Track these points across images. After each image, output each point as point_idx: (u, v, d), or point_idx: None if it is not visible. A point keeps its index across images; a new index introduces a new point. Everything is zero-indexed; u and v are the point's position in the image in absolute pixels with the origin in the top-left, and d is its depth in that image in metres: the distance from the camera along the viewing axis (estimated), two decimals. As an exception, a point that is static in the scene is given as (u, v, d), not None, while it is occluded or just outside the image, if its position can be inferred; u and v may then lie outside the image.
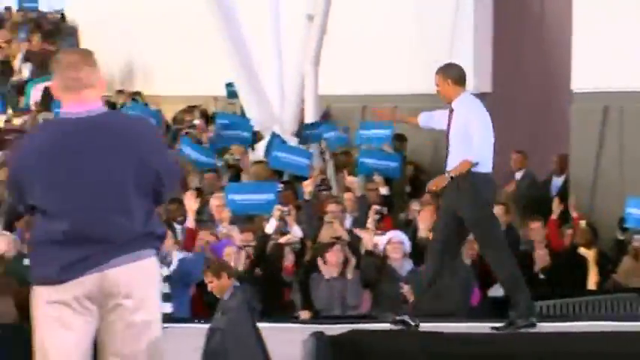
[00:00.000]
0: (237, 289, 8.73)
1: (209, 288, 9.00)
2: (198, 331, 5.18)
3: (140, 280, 4.50)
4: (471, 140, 7.86)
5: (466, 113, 7.96)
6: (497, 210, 11.53)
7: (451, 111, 8.04)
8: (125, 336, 4.49)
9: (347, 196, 12.64)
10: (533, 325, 7.84)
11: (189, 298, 10.03)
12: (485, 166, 7.92)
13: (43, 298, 4.49)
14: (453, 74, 8.08)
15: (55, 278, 4.42)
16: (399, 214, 13.13)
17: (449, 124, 8.05)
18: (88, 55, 4.64)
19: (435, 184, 8.02)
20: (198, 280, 9.81)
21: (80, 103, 4.51)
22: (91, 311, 4.46)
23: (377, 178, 13.11)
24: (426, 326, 7.86)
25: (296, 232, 11.07)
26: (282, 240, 10.78)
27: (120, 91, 21.06)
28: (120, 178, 4.46)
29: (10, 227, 11.00)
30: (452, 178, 7.82)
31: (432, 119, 8.51)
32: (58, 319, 4.45)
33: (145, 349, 4.53)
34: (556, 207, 12.17)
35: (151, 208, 4.61)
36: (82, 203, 4.43)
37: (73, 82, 4.52)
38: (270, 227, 10.89)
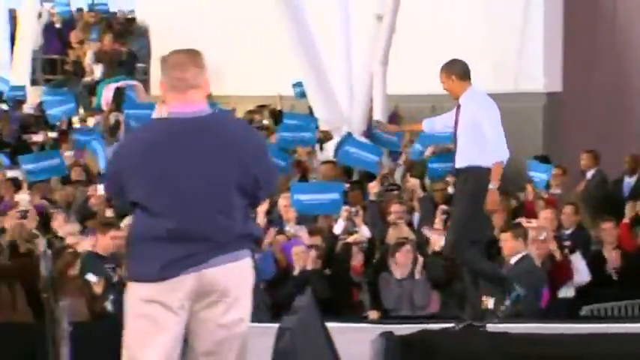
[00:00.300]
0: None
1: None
2: (269, 330, 5.14)
3: (236, 281, 4.55)
4: (480, 135, 7.79)
5: (475, 109, 7.86)
6: (567, 209, 11.50)
7: (458, 107, 7.96)
8: (217, 335, 4.53)
9: (411, 196, 12.69)
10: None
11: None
12: (503, 157, 7.85)
13: (139, 296, 4.49)
14: (456, 70, 7.98)
15: (155, 276, 4.44)
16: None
17: (456, 121, 7.96)
18: (196, 56, 4.67)
19: (492, 204, 7.89)
20: (267, 278, 9.95)
21: (185, 104, 4.58)
22: (186, 310, 4.48)
23: (449, 178, 13.05)
24: (494, 327, 7.78)
25: (364, 232, 11.11)
26: (351, 240, 10.84)
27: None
28: (223, 179, 4.51)
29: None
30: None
31: (435, 124, 8.62)
32: (152, 317, 4.45)
33: (235, 348, 4.57)
34: (630, 209, 12.06)
35: (247, 210, 4.68)
36: (188, 202, 4.46)
37: (178, 82, 4.58)
38: (338, 228, 10.98)
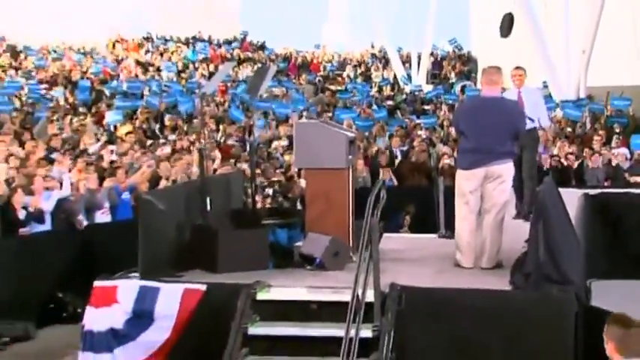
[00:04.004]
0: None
1: None
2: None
3: (504, 171, 8.88)
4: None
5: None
6: None
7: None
8: (494, 194, 8.85)
9: None
10: None
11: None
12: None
13: (461, 176, 8.98)
14: None
15: (466, 167, 8.94)
16: None
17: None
18: (499, 70, 9.20)
19: None
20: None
21: (490, 92, 9.09)
22: (479, 183, 8.85)
23: None
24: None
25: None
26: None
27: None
28: (501, 126, 8.85)
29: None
30: None
31: None
32: (466, 186, 8.90)
33: (502, 202, 8.92)
34: None
35: (512, 143, 9.05)
36: (483, 135, 8.79)
37: (489, 81, 9.12)
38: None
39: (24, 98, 25.45)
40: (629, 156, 16.98)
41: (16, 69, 31.77)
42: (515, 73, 10.89)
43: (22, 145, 18.00)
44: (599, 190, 10.37)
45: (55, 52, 36.03)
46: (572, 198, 8.87)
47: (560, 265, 7.43)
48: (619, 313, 5.33)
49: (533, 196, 9.99)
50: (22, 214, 12.79)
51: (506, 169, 8.87)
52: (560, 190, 8.31)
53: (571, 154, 17.58)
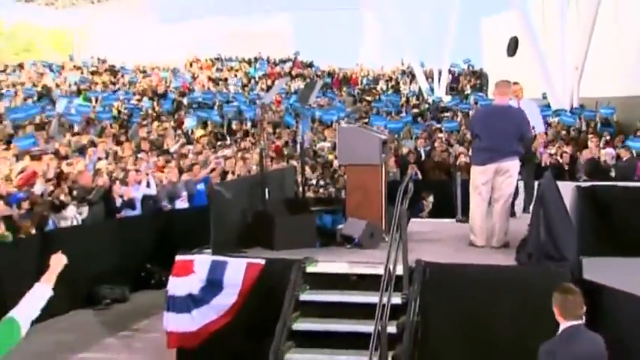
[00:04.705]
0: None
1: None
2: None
3: (511, 167, 8.84)
4: None
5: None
6: None
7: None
8: (502, 186, 8.83)
9: None
10: None
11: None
12: None
13: (475, 170, 8.92)
14: None
15: (479, 163, 8.89)
16: None
17: None
18: (509, 83, 9.49)
19: None
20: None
21: (501, 101, 9.09)
22: (490, 177, 8.80)
23: None
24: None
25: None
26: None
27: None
28: (509, 131, 8.81)
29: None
30: None
31: None
32: (480, 179, 8.83)
33: (509, 193, 8.91)
34: None
35: (517, 142, 8.86)
36: (494, 137, 8.78)
37: (501, 92, 9.11)
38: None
39: (120, 109, 25.66)
40: (613, 154, 16.76)
41: (114, 84, 32.03)
42: (514, 88, 10.72)
43: (118, 145, 18.19)
44: (589, 183, 10.24)
45: (144, 71, 36.25)
46: (566, 189, 8.75)
47: (557, 245, 7.38)
48: (564, 285, 5.42)
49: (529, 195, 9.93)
50: (118, 202, 12.92)
51: (513, 165, 8.86)
52: (558, 183, 8.22)
53: (566, 153, 17.37)
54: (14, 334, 4.27)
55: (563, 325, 5.08)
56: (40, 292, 4.42)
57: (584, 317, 5.15)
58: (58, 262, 4.58)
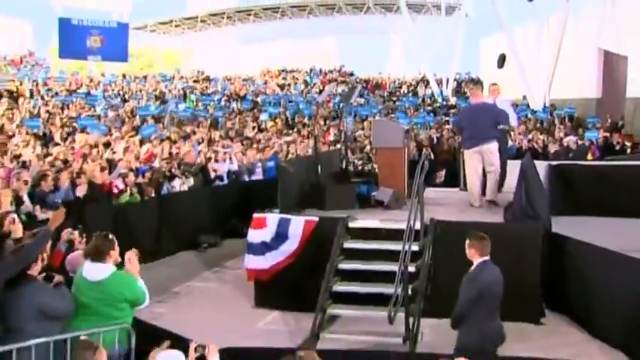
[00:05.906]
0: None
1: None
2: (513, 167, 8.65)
3: (492, 148, 8.82)
4: None
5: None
6: None
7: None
8: (490, 161, 8.82)
9: None
10: None
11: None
12: None
13: (466, 153, 8.93)
14: None
15: (467, 148, 8.90)
16: None
17: None
18: (479, 86, 9.54)
19: None
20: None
21: (475, 100, 9.18)
22: (478, 156, 8.82)
23: None
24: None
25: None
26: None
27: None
28: (487, 122, 8.75)
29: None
30: None
31: None
32: (472, 159, 8.85)
33: (496, 165, 8.88)
34: None
35: (495, 129, 8.80)
36: (476, 128, 8.74)
37: (474, 94, 9.28)
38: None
39: (211, 108, 25.82)
40: (575, 140, 16.50)
41: (209, 89, 32.20)
42: (492, 88, 10.17)
43: (211, 132, 18.30)
44: (558, 162, 10.01)
45: (229, 79, 36.36)
46: (541, 167, 8.60)
47: (534, 207, 7.31)
48: (478, 232, 5.34)
49: (504, 176, 9.41)
50: (212, 175, 13.00)
51: (493, 146, 8.89)
52: (535, 162, 8.09)
53: (540, 139, 17.04)
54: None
55: (478, 260, 5.21)
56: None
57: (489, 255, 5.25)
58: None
